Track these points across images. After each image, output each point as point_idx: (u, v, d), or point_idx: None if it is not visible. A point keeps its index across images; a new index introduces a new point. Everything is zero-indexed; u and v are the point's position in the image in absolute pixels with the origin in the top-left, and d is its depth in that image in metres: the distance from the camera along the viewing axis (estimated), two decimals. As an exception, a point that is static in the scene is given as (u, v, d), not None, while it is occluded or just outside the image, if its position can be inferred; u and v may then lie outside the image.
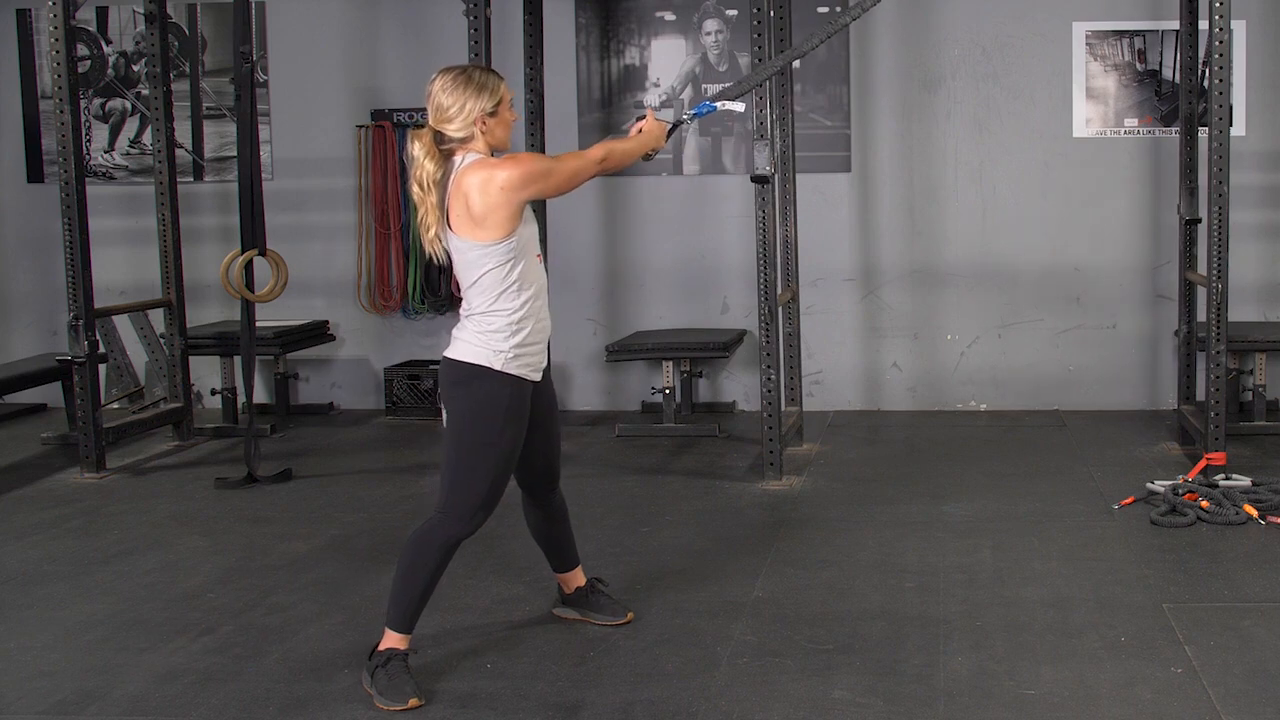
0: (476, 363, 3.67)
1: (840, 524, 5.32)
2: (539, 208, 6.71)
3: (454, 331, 3.76)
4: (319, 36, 8.06)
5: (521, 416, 3.74)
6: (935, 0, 7.60)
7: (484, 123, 3.67)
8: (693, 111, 4.22)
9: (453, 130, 3.66)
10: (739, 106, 4.30)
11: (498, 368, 3.67)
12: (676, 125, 4.16)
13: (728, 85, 4.47)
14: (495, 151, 3.75)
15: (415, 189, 3.66)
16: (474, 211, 3.59)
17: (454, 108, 3.65)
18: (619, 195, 7.90)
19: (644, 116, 4.03)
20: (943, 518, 5.38)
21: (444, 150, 3.68)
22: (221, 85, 8.08)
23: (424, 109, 3.75)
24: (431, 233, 3.65)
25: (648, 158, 4.06)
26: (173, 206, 7.16)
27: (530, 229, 3.73)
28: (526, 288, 3.69)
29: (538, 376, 3.80)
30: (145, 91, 7.68)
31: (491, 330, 3.66)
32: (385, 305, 8.08)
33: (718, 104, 4.25)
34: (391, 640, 3.70)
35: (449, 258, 3.72)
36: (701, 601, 4.39)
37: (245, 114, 6.24)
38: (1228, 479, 5.61)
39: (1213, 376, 5.81)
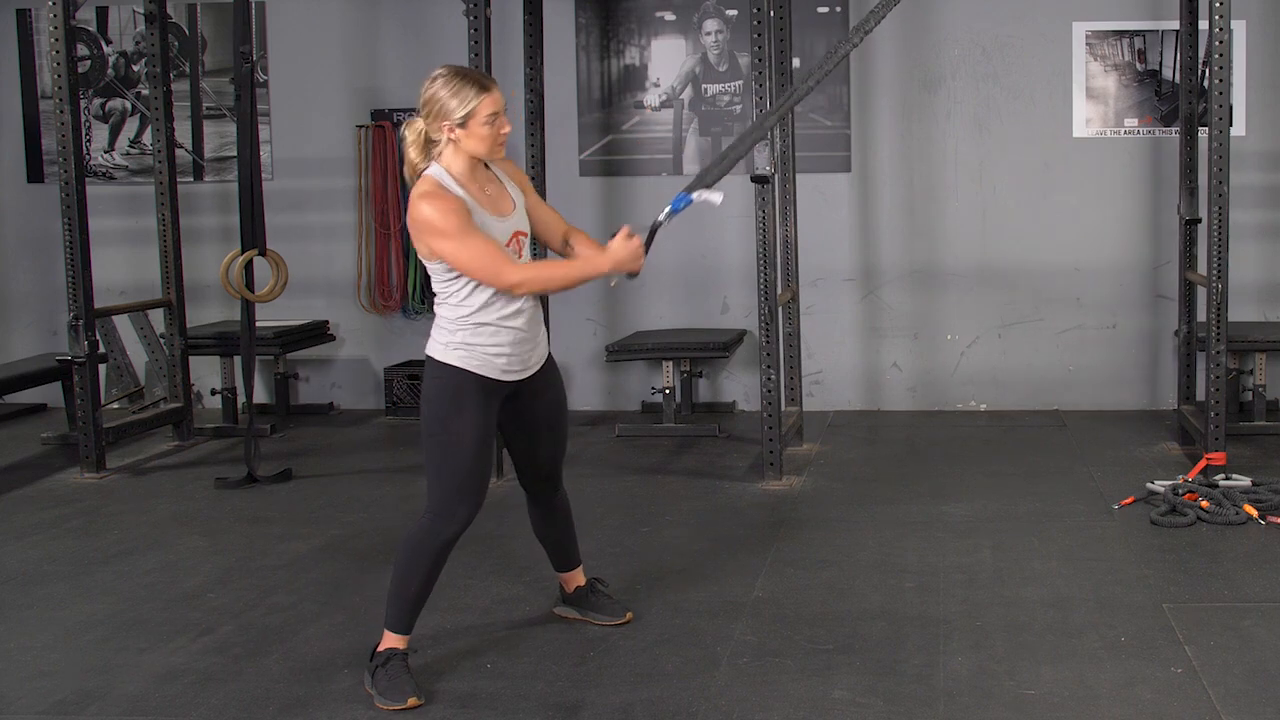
0: (431, 355, 3.71)
1: (840, 524, 5.32)
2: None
3: None
4: (319, 36, 8.06)
5: (469, 408, 3.65)
6: (935, 0, 7.60)
7: (452, 131, 3.61)
8: (669, 209, 3.77)
9: (429, 130, 3.66)
10: (718, 198, 3.76)
11: (440, 358, 3.68)
12: (653, 235, 3.76)
13: (704, 168, 3.89)
14: (487, 161, 3.73)
15: (407, 176, 3.74)
16: (410, 230, 3.65)
17: (429, 107, 3.63)
18: (619, 195, 7.90)
19: (616, 233, 3.71)
20: (943, 518, 5.38)
21: (430, 142, 3.68)
22: (221, 85, 8.08)
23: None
24: None
25: (632, 277, 3.73)
26: (173, 206, 7.16)
27: (477, 238, 3.64)
28: (484, 289, 3.64)
29: (503, 376, 3.72)
30: (145, 91, 7.68)
31: (445, 322, 3.69)
32: (385, 305, 8.08)
33: (694, 195, 3.76)
34: (390, 641, 3.70)
35: None
36: (701, 601, 4.39)
37: (245, 114, 6.24)
38: (1228, 479, 5.61)
39: (1213, 376, 5.81)
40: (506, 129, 3.67)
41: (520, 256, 3.75)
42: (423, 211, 3.54)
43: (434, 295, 3.75)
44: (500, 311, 3.67)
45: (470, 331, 3.66)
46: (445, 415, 3.66)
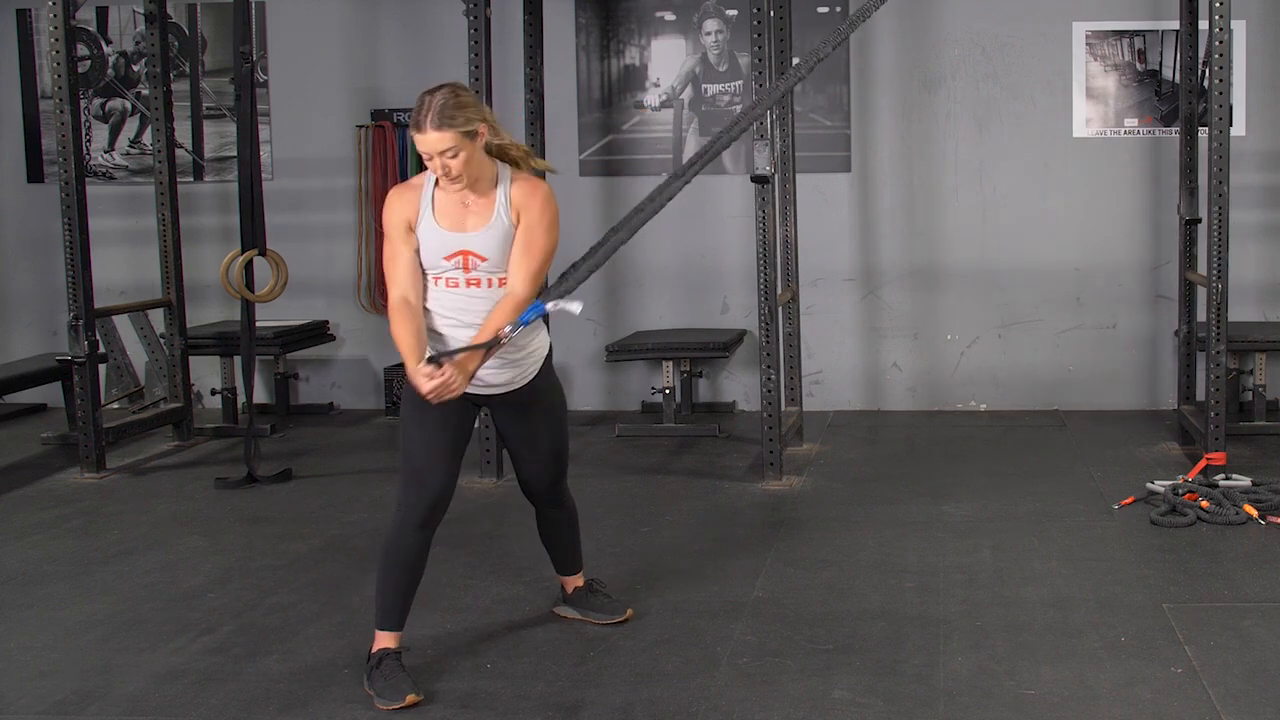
0: None
1: (840, 524, 5.32)
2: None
3: None
4: (319, 36, 8.06)
5: (421, 406, 3.63)
6: (935, 0, 7.61)
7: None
8: (520, 319, 3.61)
9: None
10: (574, 307, 3.65)
11: None
12: (493, 345, 3.59)
13: (562, 278, 3.76)
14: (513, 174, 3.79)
15: None
16: None
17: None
18: (618, 195, 7.90)
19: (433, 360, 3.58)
20: (943, 518, 5.38)
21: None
22: (221, 85, 8.08)
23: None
24: None
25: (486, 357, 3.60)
26: (173, 206, 7.16)
27: (406, 249, 3.67)
28: (430, 293, 3.71)
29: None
30: (145, 91, 7.68)
31: None
32: (385, 305, 8.06)
33: (549, 305, 3.65)
34: (381, 640, 3.71)
35: None
36: (701, 601, 4.39)
37: (245, 114, 6.24)
38: (1228, 479, 5.61)
39: (1213, 376, 5.81)
40: (449, 171, 3.58)
41: (466, 272, 3.66)
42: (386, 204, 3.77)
43: None
44: (448, 325, 3.70)
45: (428, 335, 3.72)
46: (406, 413, 3.73)
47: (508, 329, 3.59)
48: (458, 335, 3.68)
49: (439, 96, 3.56)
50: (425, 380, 3.52)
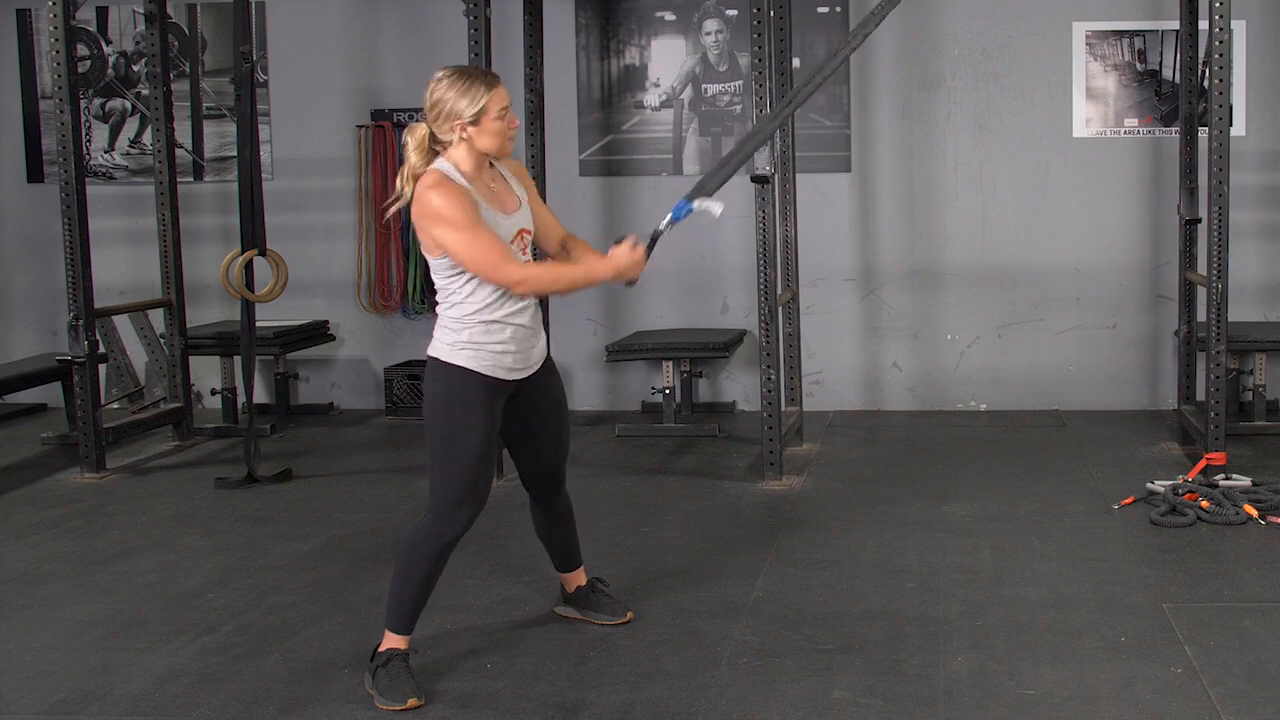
0: (435, 356, 3.70)
1: (840, 524, 5.32)
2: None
3: None
4: (319, 36, 8.06)
5: (476, 409, 3.66)
6: (935, 0, 7.61)
7: (465, 130, 3.63)
8: (669, 218, 3.79)
9: (437, 131, 3.67)
10: (718, 209, 3.77)
11: (445, 359, 3.68)
12: (653, 243, 3.77)
13: (705, 175, 3.89)
14: (493, 159, 3.75)
15: (398, 183, 3.70)
16: (416, 222, 3.64)
17: (437, 109, 3.64)
18: (619, 195, 7.90)
19: (621, 240, 3.71)
20: (943, 518, 5.38)
21: (434, 149, 3.69)
22: (221, 85, 8.08)
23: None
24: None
25: (630, 284, 3.78)
26: (173, 206, 7.16)
27: (483, 233, 3.64)
28: (484, 285, 3.65)
29: (508, 375, 3.73)
30: (145, 91, 7.68)
31: (449, 322, 3.69)
32: (385, 305, 8.08)
33: (695, 204, 3.78)
34: (391, 641, 3.70)
35: None
36: (701, 601, 4.39)
37: (245, 114, 6.24)
38: (1228, 479, 5.61)
39: (1213, 376, 5.81)
40: (516, 123, 3.71)
41: (524, 254, 3.77)
42: (432, 202, 3.55)
43: (435, 296, 3.75)
44: (505, 309, 3.68)
45: (477, 330, 3.66)
46: (452, 417, 3.65)
47: (664, 224, 3.77)
48: (522, 316, 3.72)
49: (473, 66, 3.76)
50: (630, 249, 3.66)
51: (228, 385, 7.57)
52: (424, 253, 3.68)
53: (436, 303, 3.76)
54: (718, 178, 3.84)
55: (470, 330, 3.66)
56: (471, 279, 3.64)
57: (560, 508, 4.12)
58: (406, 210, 3.68)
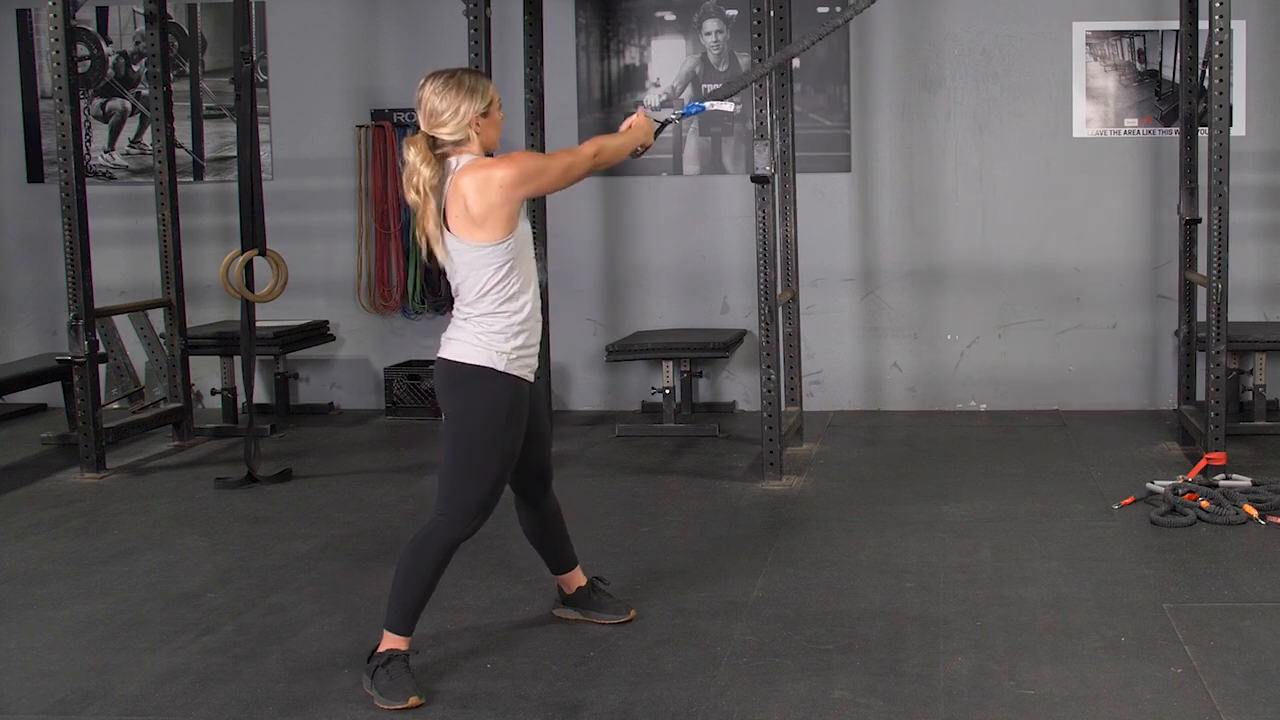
0: (478, 364, 3.67)
1: (840, 524, 5.32)
2: (537, 207, 6.71)
3: (448, 332, 3.74)
4: (319, 36, 8.06)
5: (522, 418, 3.75)
6: (935, 0, 7.60)
7: (477, 124, 3.69)
8: (682, 111, 4.24)
9: (446, 134, 3.66)
10: (729, 106, 4.33)
11: (500, 368, 3.68)
12: (665, 123, 4.14)
13: (720, 85, 4.47)
14: (487, 152, 3.76)
15: (411, 195, 3.65)
16: (473, 212, 3.60)
17: (447, 111, 3.65)
18: (619, 195, 7.90)
19: (635, 112, 4.04)
20: (943, 518, 5.38)
21: (439, 154, 3.67)
22: (221, 85, 8.08)
23: (424, 110, 3.76)
24: (432, 237, 3.66)
25: (636, 154, 4.05)
26: (173, 206, 7.16)
27: (525, 226, 3.76)
28: (525, 289, 3.71)
29: (532, 377, 3.80)
30: (145, 91, 7.68)
31: (494, 332, 3.67)
32: (385, 305, 8.08)
33: (708, 104, 4.28)
34: (392, 641, 3.70)
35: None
36: (701, 601, 4.39)
37: (245, 114, 6.24)
38: (1228, 479, 5.61)
39: (1213, 376, 5.81)
40: (504, 116, 3.90)
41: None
42: (502, 170, 3.60)
43: (464, 302, 3.70)
44: (532, 307, 3.74)
45: (523, 336, 3.71)
46: (500, 425, 3.68)
47: (675, 116, 4.21)
48: (538, 312, 3.77)
49: (459, 68, 3.87)
50: (643, 117, 3.97)
51: (228, 385, 7.57)
52: (475, 246, 3.62)
53: (454, 307, 3.74)
54: (729, 88, 4.39)
55: (519, 338, 3.70)
56: (521, 277, 3.67)
57: (550, 506, 4.13)
58: (407, 210, 3.70)
